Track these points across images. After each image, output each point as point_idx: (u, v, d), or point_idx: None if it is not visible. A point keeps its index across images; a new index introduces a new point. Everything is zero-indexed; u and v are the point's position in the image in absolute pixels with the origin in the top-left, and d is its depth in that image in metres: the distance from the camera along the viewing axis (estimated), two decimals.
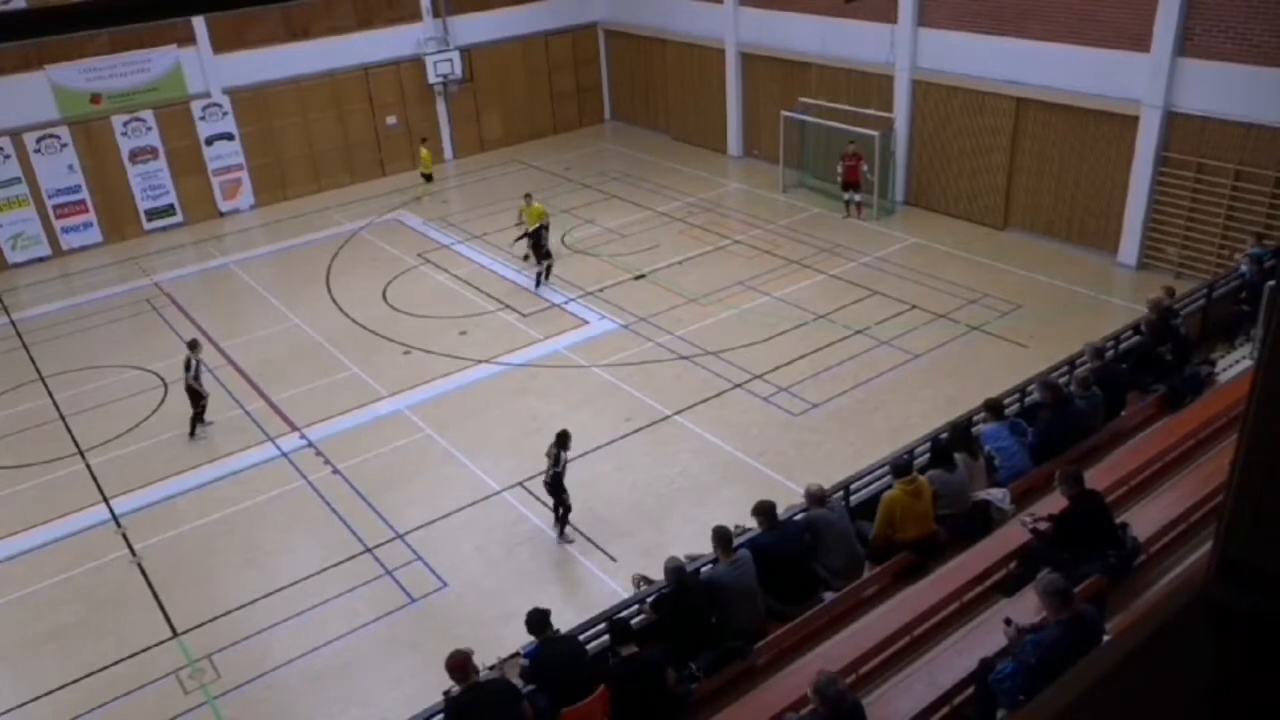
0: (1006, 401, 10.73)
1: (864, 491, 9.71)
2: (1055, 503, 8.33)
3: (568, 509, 12.22)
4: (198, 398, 15.00)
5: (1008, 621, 6.86)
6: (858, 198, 21.81)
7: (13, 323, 20.05)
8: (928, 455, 9.66)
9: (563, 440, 11.98)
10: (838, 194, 22.25)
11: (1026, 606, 7.02)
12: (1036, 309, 17.17)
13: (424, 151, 25.44)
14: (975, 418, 10.34)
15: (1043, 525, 8.09)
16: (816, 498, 8.82)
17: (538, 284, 19.35)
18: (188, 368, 14.82)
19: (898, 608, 7.92)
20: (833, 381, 15.34)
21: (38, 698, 10.54)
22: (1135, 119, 17.73)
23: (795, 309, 17.78)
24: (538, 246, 19.20)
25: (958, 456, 9.30)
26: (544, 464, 12.12)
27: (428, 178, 25.42)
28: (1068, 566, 7.27)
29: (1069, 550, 7.77)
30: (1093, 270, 18.50)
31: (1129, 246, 18.43)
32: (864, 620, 8.00)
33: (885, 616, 7.86)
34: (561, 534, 12.31)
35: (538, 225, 19.08)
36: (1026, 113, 19.71)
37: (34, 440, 15.53)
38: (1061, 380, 10.84)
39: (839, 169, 21.75)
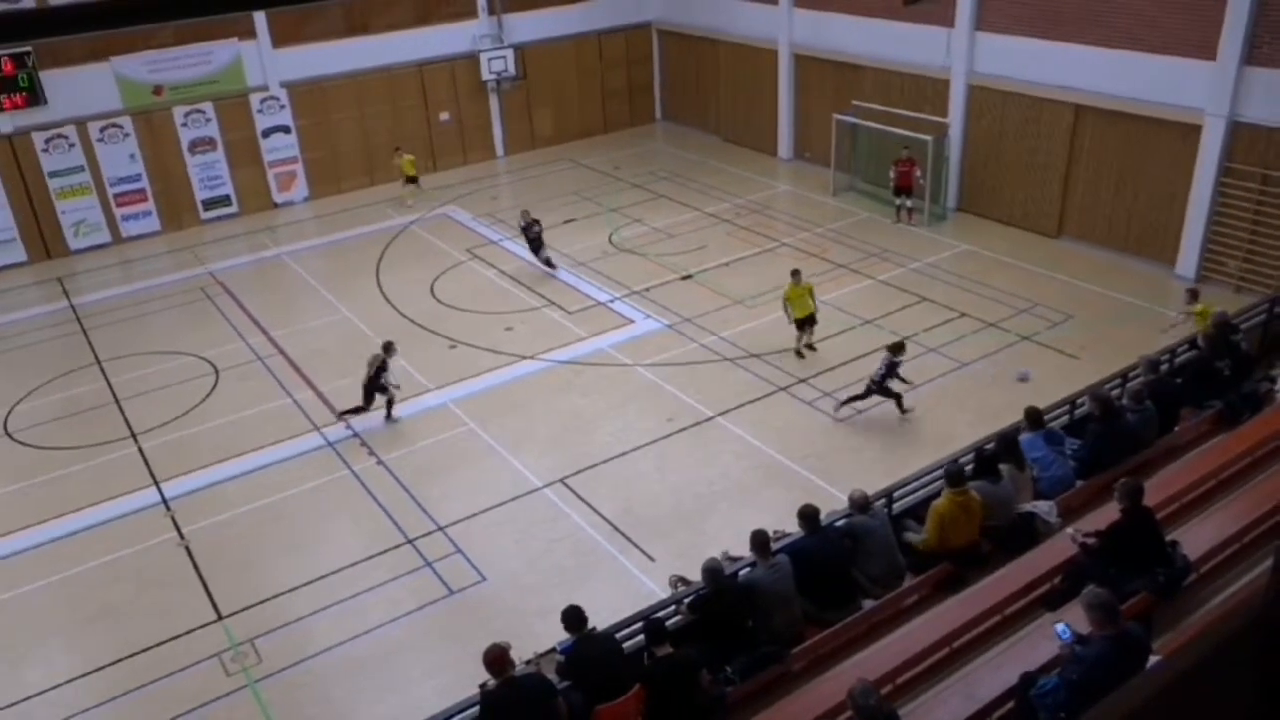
0: (1055, 414, 10.54)
1: (907, 500, 9.61)
2: (1104, 518, 8.16)
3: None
4: (379, 396, 14.89)
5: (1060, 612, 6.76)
6: (909, 203, 21.59)
7: (73, 307, 20.57)
8: (972, 465, 9.54)
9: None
10: (888, 198, 22.04)
11: (1071, 621, 6.88)
12: (1089, 320, 16.84)
13: (401, 160, 24.92)
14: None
15: (1090, 540, 7.94)
16: (860, 504, 8.74)
17: (550, 264, 20.28)
18: (383, 368, 14.70)
19: (938, 618, 7.81)
20: None
21: (87, 673, 10.81)
22: (1198, 128, 17.32)
23: (842, 313, 17.63)
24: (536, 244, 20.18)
25: (1003, 467, 9.16)
26: (581, 461, 12.20)
27: (412, 180, 24.94)
28: (1114, 582, 7.13)
29: (1116, 565, 7.62)
30: (1149, 282, 18.10)
31: (1188, 258, 18.01)
32: (903, 629, 7.91)
33: (925, 627, 7.76)
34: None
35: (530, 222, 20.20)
36: (1084, 119, 19.35)
37: (89, 423, 15.91)
38: (1114, 393, 10.63)
39: (892, 174, 21.53)
